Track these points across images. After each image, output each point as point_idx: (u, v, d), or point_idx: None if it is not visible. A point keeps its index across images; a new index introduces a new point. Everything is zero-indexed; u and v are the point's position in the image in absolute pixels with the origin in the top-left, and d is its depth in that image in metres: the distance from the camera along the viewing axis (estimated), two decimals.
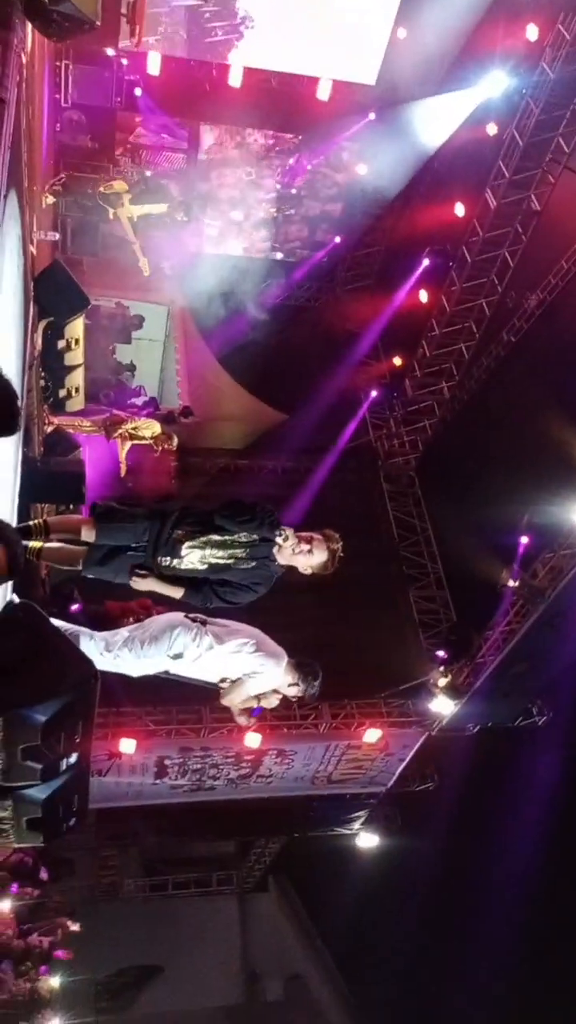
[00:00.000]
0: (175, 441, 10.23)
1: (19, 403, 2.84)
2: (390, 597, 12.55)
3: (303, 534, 4.81)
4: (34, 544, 5.01)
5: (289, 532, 4.76)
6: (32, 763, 3.51)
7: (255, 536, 4.74)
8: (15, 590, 5.07)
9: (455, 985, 11.52)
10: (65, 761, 3.68)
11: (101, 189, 9.15)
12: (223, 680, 5.04)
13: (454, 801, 11.58)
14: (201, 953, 15.63)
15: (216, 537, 4.73)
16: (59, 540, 5.05)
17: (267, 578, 4.79)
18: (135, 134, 11.95)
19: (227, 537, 4.72)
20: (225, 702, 5.10)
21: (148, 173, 10.58)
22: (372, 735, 10.82)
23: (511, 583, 10.22)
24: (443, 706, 10.70)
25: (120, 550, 4.80)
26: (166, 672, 5.13)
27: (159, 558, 4.72)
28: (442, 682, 10.70)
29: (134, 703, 10.15)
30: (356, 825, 13.09)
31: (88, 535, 4.89)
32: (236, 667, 4.97)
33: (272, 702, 5.16)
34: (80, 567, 4.93)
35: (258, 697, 5.10)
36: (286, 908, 16.54)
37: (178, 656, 4.92)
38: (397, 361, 13.78)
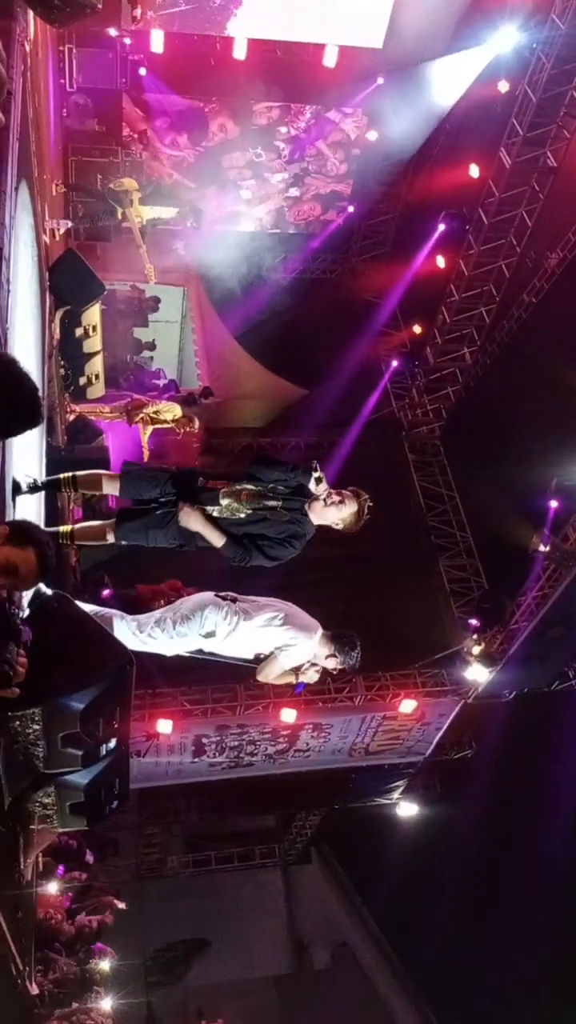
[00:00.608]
0: (196, 423, 10.22)
1: (41, 395, 2.85)
2: (420, 567, 12.52)
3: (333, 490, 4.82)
4: (65, 528, 5.08)
5: (323, 476, 4.77)
6: (72, 750, 3.57)
7: (290, 485, 4.75)
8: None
9: (499, 949, 11.63)
10: (104, 746, 3.74)
11: (111, 186, 9.04)
12: (257, 656, 5.03)
13: (493, 768, 11.63)
14: (248, 925, 15.92)
15: (251, 486, 4.73)
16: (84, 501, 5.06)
17: (300, 536, 4.77)
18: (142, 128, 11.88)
19: (261, 487, 4.73)
20: (261, 678, 5.05)
21: (162, 178, 10.42)
22: (408, 705, 10.85)
23: (542, 548, 10.15)
24: (478, 674, 10.69)
25: (148, 510, 4.79)
26: (199, 651, 5.15)
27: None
28: (476, 650, 10.68)
29: (169, 684, 10.26)
30: (395, 795, 13.18)
31: (111, 486, 4.97)
32: (267, 641, 4.94)
33: (312, 676, 5.07)
34: (111, 539, 4.97)
35: (296, 672, 5.05)
36: (330, 878, 16.76)
37: (210, 635, 4.91)
38: (417, 329, 13.61)
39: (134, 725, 8.95)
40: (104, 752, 3.75)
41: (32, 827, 4.14)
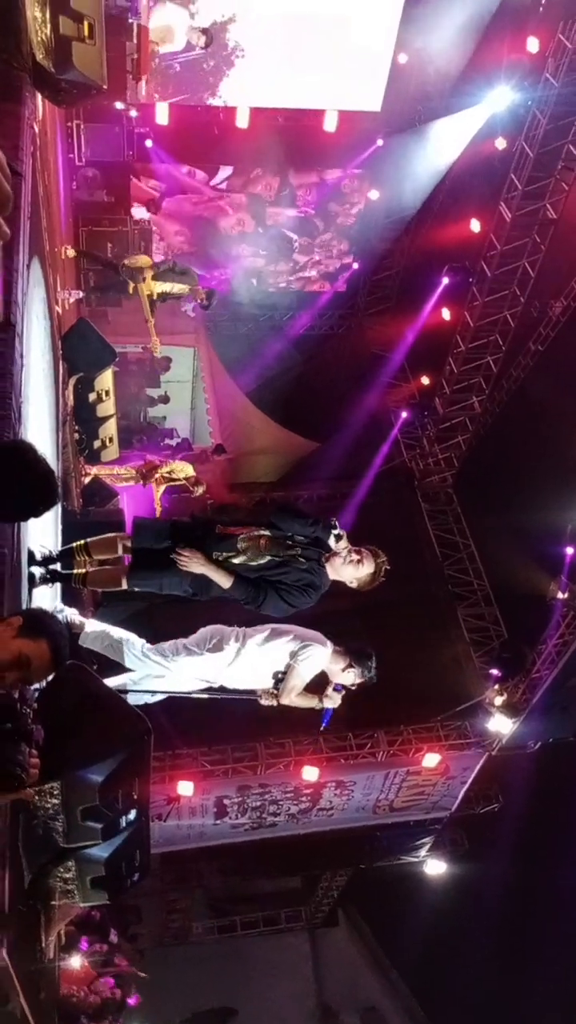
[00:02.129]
0: (201, 488, 10.29)
1: (57, 477, 2.90)
2: (438, 617, 12.42)
3: (352, 547, 4.82)
4: (79, 570, 5.08)
5: (344, 534, 4.78)
6: (92, 823, 3.54)
7: (309, 535, 4.74)
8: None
9: (532, 1009, 11.23)
10: (124, 818, 3.70)
11: (126, 262, 9.25)
12: (275, 675, 4.95)
13: (521, 821, 11.37)
14: (275, 991, 15.45)
15: (269, 533, 4.71)
16: (100, 561, 5.10)
17: (317, 587, 4.73)
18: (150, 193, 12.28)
19: (281, 534, 4.71)
20: (284, 700, 4.95)
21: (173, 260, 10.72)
22: (431, 759, 10.68)
23: (560, 595, 10.08)
24: (501, 725, 10.53)
25: (161, 556, 4.72)
26: (219, 688, 5.10)
27: (213, 553, 4.64)
28: (498, 700, 10.54)
29: (188, 744, 10.16)
30: (422, 852, 12.90)
31: (125, 548, 4.97)
32: (279, 656, 4.91)
33: (336, 700, 4.97)
34: (124, 586, 4.96)
35: (320, 696, 4.98)
36: (358, 941, 16.30)
37: (217, 648, 4.93)
38: (425, 380, 13.74)
39: (154, 788, 8.84)
40: (124, 824, 3.72)
41: (53, 903, 4.08)
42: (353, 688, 5.00)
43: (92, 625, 5.15)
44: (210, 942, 15.86)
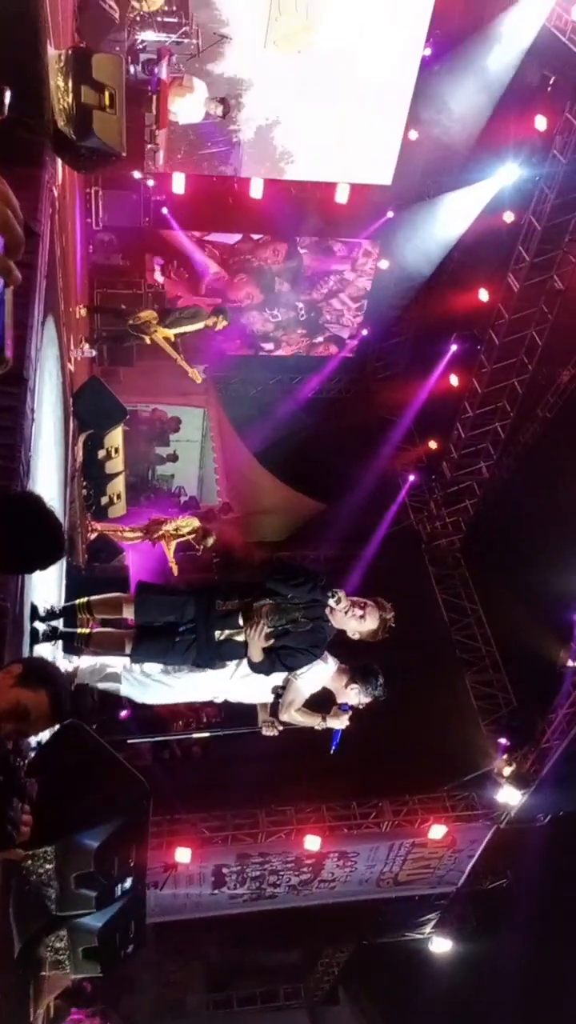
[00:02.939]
0: (212, 539, 10.27)
1: (64, 531, 2.89)
2: (445, 683, 12.21)
3: (356, 599, 4.80)
4: (83, 630, 5.02)
5: (342, 595, 4.75)
6: (86, 891, 3.43)
7: (308, 597, 4.71)
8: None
9: None
10: (120, 886, 3.58)
11: (131, 322, 9.43)
12: (275, 690, 4.89)
13: (531, 897, 10.98)
14: None
15: (270, 601, 4.69)
16: (103, 622, 5.06)
17: (322, 640, 4.74)
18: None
19: (282, 601, 4.69)
20: (284, 717, 4.90)
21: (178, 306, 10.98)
22: (437, 831, 10.40)
23: (571, 663, 9.93)
24: (510, 796, 10.28)
25: (166, 632, 4.74)
26: (218, 723, 5.02)
27: (214, 631, 4.67)
28: (507, 771, 10.31)
29: (187, 810, 9.93)
30: (428, 928, 12.47)
31: (128, 611, 4.92)
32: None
33: (342, 720, 4.90)
34: (128, 651, 4.90)
35: (324, 717, 4.89)
36: (360, 1020, 15.63)
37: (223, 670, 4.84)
38: (433, 445, 13.82)
39: (151, 854, 8.61)
40: (119, 892, 3.60)
41: (44, 973, 3.92)
42: (360, 707, 4.93)
43: (85, 661, 5.07)
44: (205, 1017, 15.24)
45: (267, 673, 4.72)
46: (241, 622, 4.67)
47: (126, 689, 5.01)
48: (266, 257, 13.35)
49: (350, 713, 4.90)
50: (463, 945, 12.20)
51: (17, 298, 3.68)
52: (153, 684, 4.95)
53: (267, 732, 4.97)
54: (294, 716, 4.88)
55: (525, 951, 10.74)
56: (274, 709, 5.01)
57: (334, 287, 13.92)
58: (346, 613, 4.71)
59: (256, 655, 4.61)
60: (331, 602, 4.71)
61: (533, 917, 10.79)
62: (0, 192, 1.07)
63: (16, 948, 3.44)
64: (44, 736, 4.11)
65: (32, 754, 3.31)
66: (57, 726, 3.24)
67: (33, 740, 3.79)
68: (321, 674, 4.84)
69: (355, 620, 4.72)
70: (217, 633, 4.67)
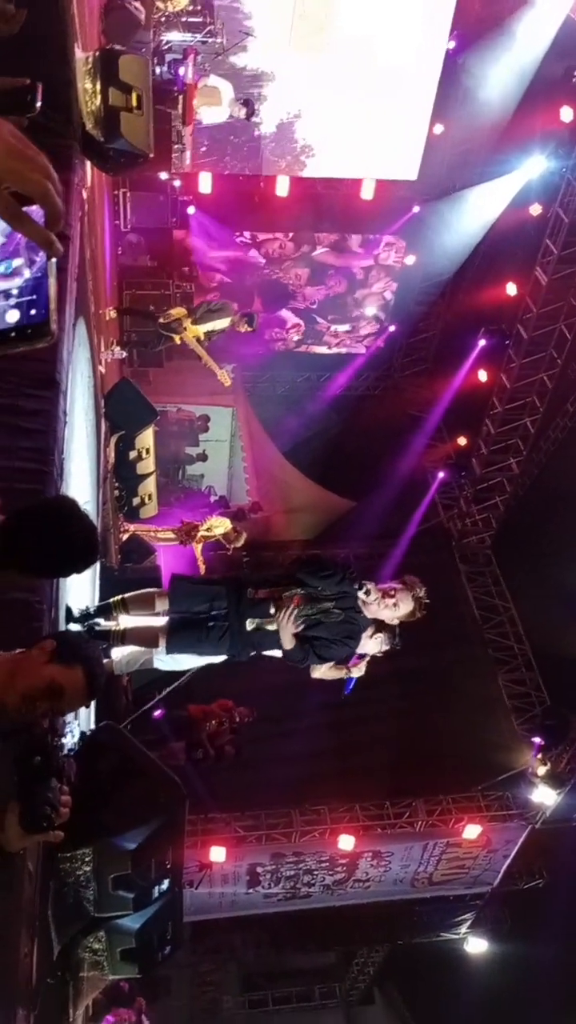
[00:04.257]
0: (243, 538, 10.28)
1: (98, 535, 2.89)
2: (478, 682, 12.12)
3: (384, 586, 4.82)
4: (117, 628, 5.07)
5: (371, 586, 4.77)
6: (124, 892, 3.43)
7: (337, 589, 4.73)
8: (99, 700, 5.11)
9: None
10: (157, 888, 3.58)
11: (161, 320, 9.45)
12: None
13: (567, 897, 10.85)
14: None
15: (300, 591, 4.72)
16: (137, 617, 5.10)
17: (356, 632, 4.77)
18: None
19: (312, 591, 4.71)
20: (316, 675, 4.95)
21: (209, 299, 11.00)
22: (472, 831, 10.29)
23: None
24: (545, 796, 10.15)
25: (198, 622, 4.78)
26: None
27: (246, 620, 4.70)
28: (541, 770, 10.18)
29: (222, 809, 9.93)
30: (463, 929, 12.35)
31: (162, 603, 4.98)
32: None
33: (362, 669, 5.00)
34: (161, 647, 4.97)
35: (348, 669, 4.96)
36: (395, 1021, 15.56)
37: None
38: (462, 441, 13.71)
39: (186, 853, 8.64)
40: (157, 894, 3.59)
41: (83, 974, 3.93)
42: (380, 655, 4.99)
43: (117, 653, 5.14)
44: (241, 1017, 15.28)
45: (301, 663, 4.76)
46: (272, 611, 4.69)
47: (162, 666, 5.10)
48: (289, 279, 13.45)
49: (367, 660, 5.03)
50: (499, 945, 12.10)
51: None
52: (185, 661, 5.07)
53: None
54: (325, 673, 4.95)
55: (561, 951, 10.61)
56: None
57: (360, 283, 13.86)
58: (378, 604, 4.73)
59: (287, 641, 4.63)
60: (361, 595, 4.73)
61: (569, 917, 10.67)
62: (39, 164, 1.06)
63: (55, 949, 3.45)
64: (77, 730, 4.13)
65: (68, 738, 3.32)
66: (92, 705, 3.23)
67: (70, 732, 3.81)
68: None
69: (388, 609, 4.76)
70: (248, 622, 4.70)
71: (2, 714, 2.23)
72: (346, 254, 13.49)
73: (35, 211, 1.05)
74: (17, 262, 1.08)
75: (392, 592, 4.76)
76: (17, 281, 1.08)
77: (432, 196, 12.46)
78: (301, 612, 4.63)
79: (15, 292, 1.07)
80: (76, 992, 4.04)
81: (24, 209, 1.05)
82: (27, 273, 1.08)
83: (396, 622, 4.82)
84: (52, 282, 1.08)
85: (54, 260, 1.09)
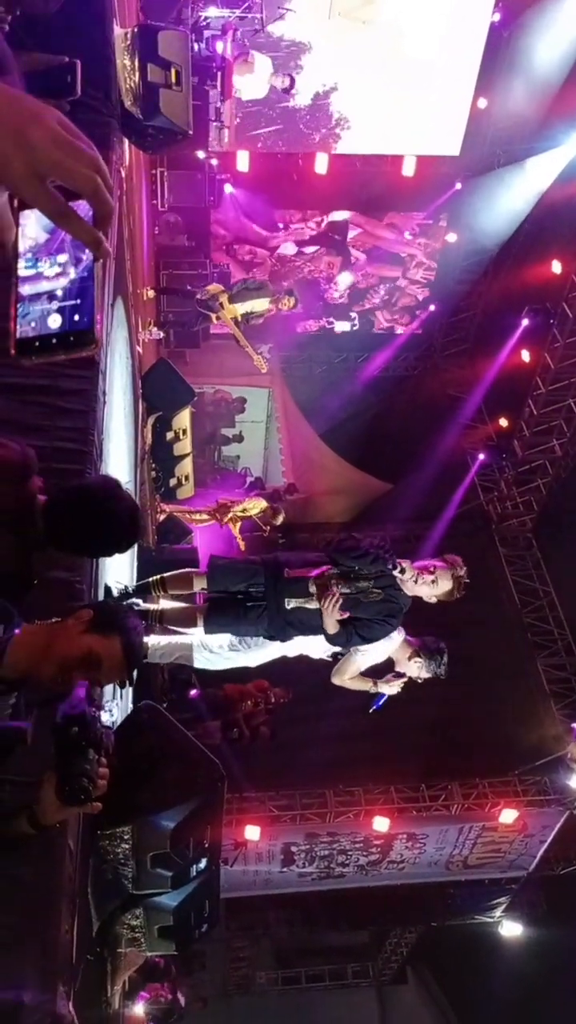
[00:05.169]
0: (281, 516, 10.25)
1: (140, 516, 2.87)
2: (517, 667, 12.00)
3: (424, 563, 4.76)
4: (155, 608, 5.09)
5: (405, 564, 4.73)
6: (162, 871, 3.44)
7: (374, 568, 4.69)
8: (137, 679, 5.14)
9: None
10: (195, 867, 3.59)
11: (199, 296, 9.40)
12: (335, 656, 4.92)
13: None
14: None
15: (337, 571, 4.69)
16: (176, 598, 5.12)
17: (397, 611, 4.72)
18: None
19: (348, 570, 4.67)
20: (335, 680, 4.92)
21: (248, 277, 10.93)
22: (508, 815, 10.23)
23: None
24: None
25: (237, 602, 4.79)
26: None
27: (284, 599, 4.67)
28: None
29: (256, 788, 9.99)
30: (498, 912, 12.33)
31: (200, 583, 5.00)
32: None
33: (395, 687, 4.89)
34: (199, 626, 4.97)
35: (375, 683, 4.89)
36: (428, 1001, 15.63)
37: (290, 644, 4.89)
38: (503, 422, 13.49)
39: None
40: (195, 873, 3.61)
41: (120, 951, 3.98)
42: (419, 681, 4.91)
43: (154, 639, 5.13)
44: (274, 993, 15.45)
45: (344, 646, 4.72)
46: (312, 589, 4.66)
47: (200, 664, 5.10)
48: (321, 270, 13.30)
49: (404, 680, 4.89)
50: (533, 930, 12.07)
51: None
52: (223, 660, 5.07)
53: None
54: (347, 682, 4.90)
55: None
56: None
57: (399, 264, 13.68)
58: (416, 581, 4.67)
59: (332, 627, 4.58)
60: (396, 574, 4.68)
61: None
62: (90, 157, 0.99)
63: (94, 926, 3.49)
64: (116, 710, 4.15)
65: (106, 715, 3.32)
66: (133, 674, 3.20)
67: (108, 711, 3.82)
68: (388, 646, 4.81)
69: (427, 586, 4.69)
70: (287, 601, 4.66)
71: (38, 684, 2.21)
72: (383, 239, 13.31)
73: (82, 207, 1.00)
74: (63, 258, 1.02)
75: (432, 569, 4.70)
76: (62, 282, 1.01)
77: (475, 172, 12.21)
78: (340, 590, 4.59)
79: (59, 294, 1.01)
80: (114, 968, 4.09)
81: (71, 204, 0.99)
82: (72, 273, 1.01)
83: (434, 600, 4.76)
84: (97, 284, 1.01)
85: (100, 263, 1.02)
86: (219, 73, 9.27)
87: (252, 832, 9.84)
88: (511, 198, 11.93)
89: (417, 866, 11.10)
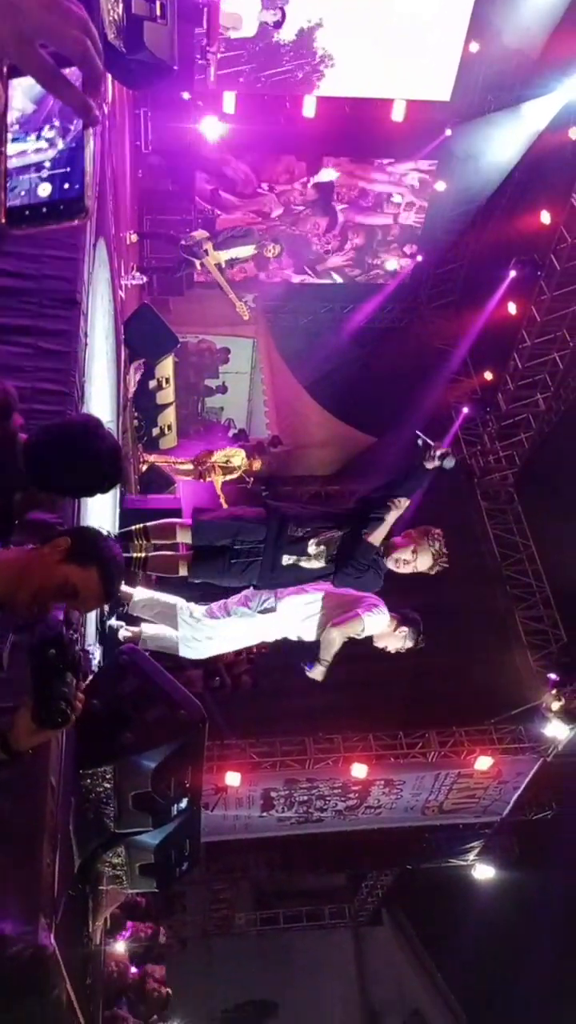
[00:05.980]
0: (258, 463, 10.23)
1: (122, 455, 2.84)
2: (495, 619, 12.16)
3: (399, 539, 4.89)
4: (138, 554, 5.10)
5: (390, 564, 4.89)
6: (143, 810, 3.48)
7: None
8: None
9: None
10: (176, 806, 3.64)
11: (183, 242, 9.25)
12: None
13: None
14: (318, 988, 15.38)
15: (340, 533, 4.81)
16: (158, 545, 5.14)
17: (382, 569, 4.90)
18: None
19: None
20: (334, 632, 4.94)
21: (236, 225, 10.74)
22: (483, 763, 10.46)
23: None
24: (558, 731, 10.26)
25: (223, 555, 4.85)
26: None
27: (283, 555, 4.75)
28: (555, 705, 10.28)
29: (238, 736, 10.12)
30: (471, 856, 12.66)
31: (183, 535, 5.03)
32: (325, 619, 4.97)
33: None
34: (183, 573, 5.02)
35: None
36: (402, 942, 16.11)
37: (268, 610, 4.93)
38: (488, 376, 13.44)
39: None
40: (175, 812, 3.66)
41: (102, 888, 4.05)
42: (402, 652, 5.10)
43: (140, 593, 5.13)
44: (253, 934, 15.87)
45: (358, 576, 4.79)
46: (311, 549, 4.76)
47: (184, 653, 5.10)
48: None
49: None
50: (506, 873, 12.42)
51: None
52: (203, 627, 5.04)
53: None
54: (336, 639, 4.94)
55: (568, 881, 10.87)
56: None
57: (386, 211, 13.44)
58: (397, 564, 4.87)
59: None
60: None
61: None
62: (78, 18, 0.95)
63: (76, 863, 3.54)
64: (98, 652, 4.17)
65: (94, 680, 3.34)
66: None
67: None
68: (383, 619, 4.92)
69: (408, 567, 4.90)
70: (285, 557, 4.75)
71: (12, 610, 2.19)
72: (374, 180, 13.04)
73: (71, 73, 0.96)
74: (49, 132, 0.99)
75: (409, 544, 4.87)
76: (50, 153, 0.99)
77: (466, 118, 11.96)
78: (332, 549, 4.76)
79: (47, 164, 0.98)
80: (95, 905, 4.15)
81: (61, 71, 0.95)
82: (60, 144, 0.99)
83: (415, 570, 4.90)
84: (88, 154, 0.99)
85: (91, 130, 1.00)
86: (205, 10, 8.97)
87: (233, 778, 10.00)
88: (501, 146, 11.73)
89: (394, 811, 11.35)
